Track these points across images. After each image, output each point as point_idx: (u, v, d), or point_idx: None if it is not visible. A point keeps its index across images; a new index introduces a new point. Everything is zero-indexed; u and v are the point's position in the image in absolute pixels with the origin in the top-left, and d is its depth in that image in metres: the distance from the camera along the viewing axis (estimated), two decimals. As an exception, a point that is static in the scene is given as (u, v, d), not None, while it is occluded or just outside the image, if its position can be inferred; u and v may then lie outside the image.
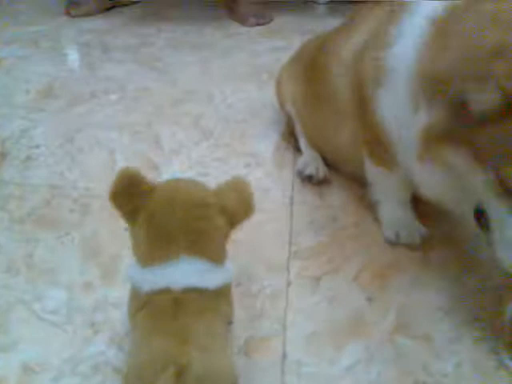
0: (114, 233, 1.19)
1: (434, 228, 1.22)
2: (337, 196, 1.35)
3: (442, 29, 0.89)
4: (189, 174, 0.94)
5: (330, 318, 1.02)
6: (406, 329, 1.00)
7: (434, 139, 0.84)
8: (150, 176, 1.33)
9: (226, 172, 1.42)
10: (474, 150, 0.79)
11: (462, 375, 0.92)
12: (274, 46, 2.27)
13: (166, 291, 0.80)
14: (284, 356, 0.95)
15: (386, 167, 1.14)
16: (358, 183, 1.32)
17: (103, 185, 1.34)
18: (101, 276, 1.11)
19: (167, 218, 0.82)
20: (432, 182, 0.95)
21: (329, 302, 1.06)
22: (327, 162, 1.44)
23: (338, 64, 1.20)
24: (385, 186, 1.21)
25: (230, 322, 0.92)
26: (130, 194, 0.85)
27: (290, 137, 1.55)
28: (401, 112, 0.96)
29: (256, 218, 1.27)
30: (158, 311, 0.80)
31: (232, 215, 0.87)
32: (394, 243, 1.19)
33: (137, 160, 1.48)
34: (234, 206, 0.87)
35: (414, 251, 1.18)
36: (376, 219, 1.25)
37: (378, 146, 1.09)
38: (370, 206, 1.27)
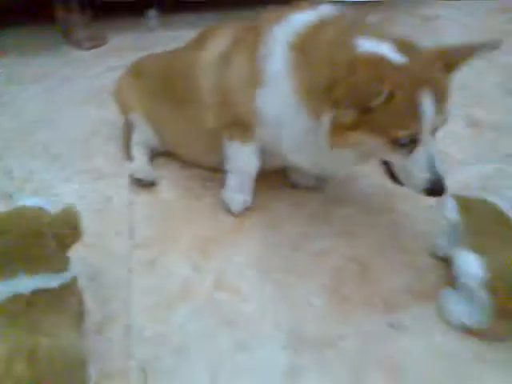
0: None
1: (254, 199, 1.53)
2: (167, 193, 1.63)
3: (302, 51, 1.24)
4: (37, 199, 1.15)
5: (165, 290, 1.30)
6: (222, 287, 1.30)
7: (340, 130, 1.17)
8: (4, 204, 1.52)
9: (75, 190, 1.65)
10: (371, 128, 1.14)
11: (263, 311, 1.24)
12: (110, 66, 2.46)
13: (18, 296, 1.01)
14: (129, 327, 1.21)
15: (240, 141, 1.43)
16: (187, 177, 1.62)
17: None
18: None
19: (7, 244, 1.03)
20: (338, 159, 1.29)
21: (164, 277, 1.33)
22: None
23: (196, 72, 1.47)
24: (238, 158, 1.48)
25: (81, 311, 1.15)
26: None
27: (126, 149, 1.78)
28: (283, 109, 1.29)
29: (101, 222, 1.51)
30: (14, 313, 1.00)
31: (63, 240, 1.08)
32: (226, 208, 1.51)
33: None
34: (64, 232, 1.08)
35: (235, 220, 1.50)
36: (203, 206, 1.55)
37: (236, 126, 1.41)
38: (197, 197, 1.57)
